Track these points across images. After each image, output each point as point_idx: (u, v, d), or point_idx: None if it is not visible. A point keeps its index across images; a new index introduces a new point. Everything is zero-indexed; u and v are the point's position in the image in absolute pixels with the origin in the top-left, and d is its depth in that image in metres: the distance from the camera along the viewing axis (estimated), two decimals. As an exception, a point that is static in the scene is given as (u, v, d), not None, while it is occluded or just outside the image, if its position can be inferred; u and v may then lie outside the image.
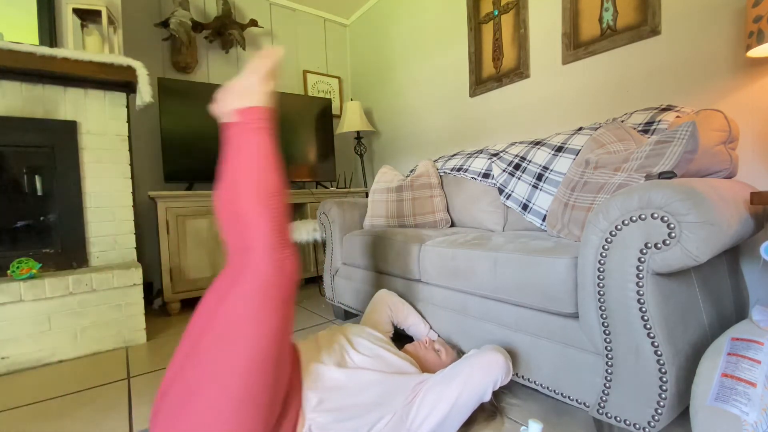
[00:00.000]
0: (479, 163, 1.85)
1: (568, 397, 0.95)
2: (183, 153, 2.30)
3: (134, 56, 1.82)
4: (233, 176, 0.76)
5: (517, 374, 1.07)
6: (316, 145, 2.85)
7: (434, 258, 1.30)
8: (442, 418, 0.83)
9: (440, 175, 2.05)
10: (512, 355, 1.07)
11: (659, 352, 0.78)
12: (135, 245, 1.89)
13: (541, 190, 1.48)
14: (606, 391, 0.86)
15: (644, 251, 0.77)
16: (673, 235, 0.73)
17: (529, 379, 1.04)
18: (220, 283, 0.76)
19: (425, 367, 1.08)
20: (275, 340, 0.69)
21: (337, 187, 3.00)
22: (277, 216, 0.74)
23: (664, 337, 0.78)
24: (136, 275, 1.69)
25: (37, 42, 1.70)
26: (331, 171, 2.93)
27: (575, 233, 1.12)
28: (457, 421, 0.86)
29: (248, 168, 0.76)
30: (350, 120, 2.91)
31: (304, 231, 2.06)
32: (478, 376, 0.87)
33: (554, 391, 0.99)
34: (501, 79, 2.12)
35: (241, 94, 0.80)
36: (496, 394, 1.01)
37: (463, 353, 1.21)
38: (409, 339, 1.37)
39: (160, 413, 0.69)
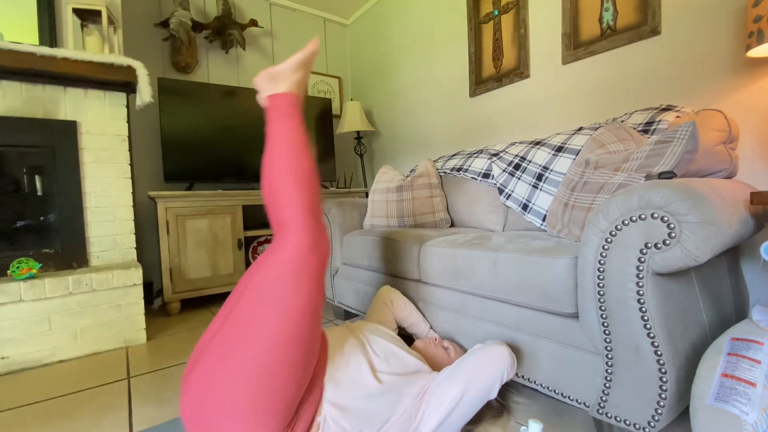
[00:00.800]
0: (479, 163, 1.85)
1: (568, 397, 0.95)
2: (183, 153, 2.30)
3: (134, 56, 1.82)
4: (270, 160, 0.82)
5: (517, 374, 1.07)
6: (316, 145, 2.85)
7: (434, 258, 1.30)
8: (449, 412, 0.84)
9: (440, 175, 2.05)
10: (513, 352, 1.07)
11: (659, 352, 0.78)
12: (135, 245, 1.89)
13: (541, 190, 1.48)
14: (606, 391, 0.86)
15: (644, 251, 0.77)
16: (673, 235, 0.73)
17: (529, 379, 1.04)
18: (264, 255, 0.81)
19: (434, 365, 1.08)
20: (305, 312, 0.73)
21: (337, 187, 3.00)
22: (307, 197, 0.79)
23: (664, 337, 0.78)
24: (136, 275, 1.69)
25: (37, 42, 1.70)
26: (331, 171, 2.94)
27: (575, 233, 1.12)
28: (465, 416, 0.87)
29: (280, 152, 0.81)
30: (350, 120, 2.91)
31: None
32: (484, 369, 0.88)
33: (554, 391, 0.99)
34: (501, 79, 2.12)
35: (274, 80, 0.86)
36: (502, 393, 1.02)
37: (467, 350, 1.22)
38: (409, 337, 1.37)
39: (198, 365, 0.73)
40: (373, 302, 1.38)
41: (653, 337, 0.78)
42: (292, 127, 0.83)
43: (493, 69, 2.18)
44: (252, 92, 2.56)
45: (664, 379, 0.78)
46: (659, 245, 0.75)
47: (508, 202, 1.63)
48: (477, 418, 0.94)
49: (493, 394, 0.89)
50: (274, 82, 0.86)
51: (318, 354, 0.81)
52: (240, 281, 0.85)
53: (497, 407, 1.00)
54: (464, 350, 1.21)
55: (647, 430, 0.80)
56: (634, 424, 0.82)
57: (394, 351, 0.97)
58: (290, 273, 0.74)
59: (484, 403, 0.89)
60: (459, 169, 1.95)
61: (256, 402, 0.68)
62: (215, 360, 0.71)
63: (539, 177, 1.51)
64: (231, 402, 0.68)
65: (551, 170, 1.47)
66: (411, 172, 2.19)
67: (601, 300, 0.84)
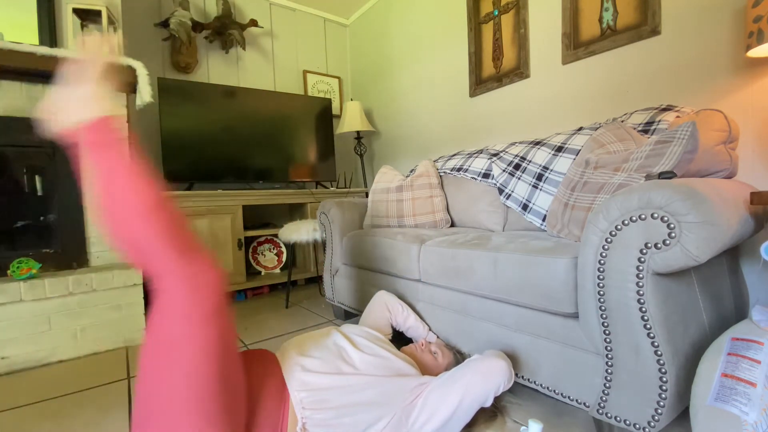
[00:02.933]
0: (479, 163, 1.85)
1: (568, 397, 0.95)
2: (183, 153, 2.30)
3: (134, 56, 1.82)
4: (105, 203, 0.66)
5: (517, 374, 1.06)
6: (316, 145, 2.85)
7: (434, 258, 1.30)
8: (443, 421, 0.83)
9: (440, 175, 2.05)
10: (512, 355, 1.07)
11: (659, 352, 0.78)
12: (135, 245, 1.89)
13: (541, 190, 1.48)
14: (606, 391, 0.86)
15: (644, 251, 0.77)
16: (673, 235, 0.73)
17: (529, 380, 1.04)
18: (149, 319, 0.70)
19: (422, 370, 1.07)
20: (211, 357, 0.64)
21: (337, 187, 3.00)
22: (167, 230, 0.65)
23: (664, 337, 0.78)
24: (136, 275, 1.69)
25: (37, 42, 1.70)
26: (331, 171, 2.93)
27: (575, 233, 1.12)
28: (458, 425, 0.86)
29: (112, 191, 0.65)
30: (350, 120, 2.91)
31: (304, 231, 2.06)
32: (480, 382, 0.87)
33: (554, 391, 0.99)
34: (501, 79, 2.12)
35: (77, 106, 0.66)
36: (503, 393, 1.01)
37: (462, 354, 1.21)
38: (408, 340, 1.36)
39: None
40: (368, 306, 1.37)
41: (653, 337, 0.78)
42: (119, 156, 0.67)
43: (493, 69, 2.18)
44: (252, 92, 2.57)
45: (664, 379, 0.78)
46: (659, 245, 0.75)
47: (508, 202, 1.63)
48: (471, 421, 0.92)
49: (488, 403, 0.88)
50: (78, 109, 0.66)
51: (244, 383, 0.75)
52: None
53: (491, 410, 0.99)
54: (455, 352, 1.18)
55: (647, 430, 0.80)
56: (634, 424, 0.82)
57: (377, 351, 0.97)
58: (181, 329, 0.63)
59: (477, 409, 0.88)
60: (459, 169, 1.94)
61: None
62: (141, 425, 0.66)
63: (539, 177, 1.51)
64: None
65: (551, 170, 1.47)
66: (411, 172, 2.19)
67: (601, 300, 0.84)
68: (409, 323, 1.33)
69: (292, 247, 2.23)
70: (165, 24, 2.42)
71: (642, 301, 0.79)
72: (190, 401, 0.63)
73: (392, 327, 1.34)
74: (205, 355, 0.63)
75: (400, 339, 1.33)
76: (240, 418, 0.71)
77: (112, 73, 0.69)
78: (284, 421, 0.78)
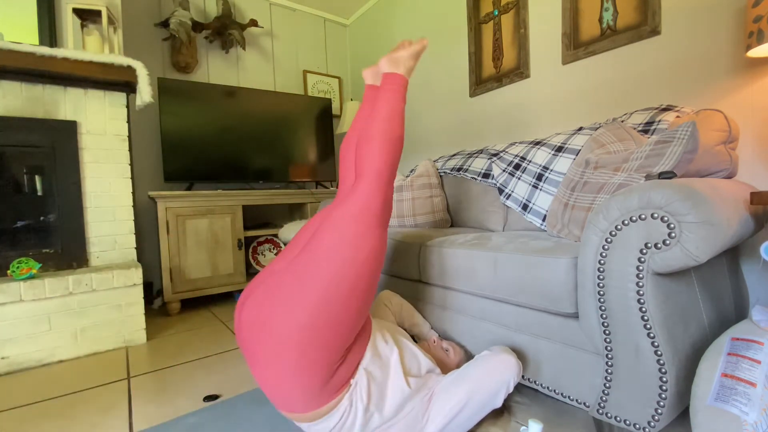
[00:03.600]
0: (479, 163, 1.85)
1: (568, 397, 0.95)
2: (183, 153, 2.30)
3: (134, 56, 1.82)
4: (371, 120, 0.94)
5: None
6: (316, 145, 2.85)
7: (434, 258, 1.30)
8: (453, 416, 0.85)
9: (440, 175, 2.05)
10: (518, 357, 1.07)
11: (659, 352, 0.78)
12: (135, 245, 1.89)
13: (541, 190, 1.48)
14: (606, 391, 0.86)
15: (644, 251, 0.77)
16: (673, 235, 0.73)
17: (529, 379, 1.04)
18: (327, 208, 0.89)
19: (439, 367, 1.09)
20: (370, 257, 0.81)
21: (337, 187, 3.00)
22: (391, 156, 0.90)
23: (664, 337, 0.78)
24: (136, 275, 1.69)
25: (37, 42, 1.70)
26: (331, 171, 2.93)
27: (575, 233, 1.12)
28: (469, 422, 0.88)
29: (383, 115, 0.94)
30: (350, 120, 2.91)
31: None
32: (490, 377, 0.89)
33: (554, 391, 0.99)
34: (501, 79, 2.12)
35: (395, 63, 1.02)
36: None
37: (470, 352, 1.22)
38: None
39: (264, 285, 0.81)
40: (374, 305, 1.37)
41: (653, 337, 0.78)
42: (398, 100, 0.97)
43: (493, 69, 2.18)
44: (252, 92, 2.57)
45: (664, 379, 0.78)
46: (659, 245, 0.75)
47: (508, 202, 1.63)
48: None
49: (498, 403, 0.90)
50: (394, 64, 1.02)
51: (368, 310, 0.86)
52: (305, 228, 0.96)
53: (497, 408, 1.00)
54: (463, 349, 1.21)
55: (647, 430, 0.80)
56: (634, 424, 0.82)
57: (412, 349, 0.99)
58: (363, 217, 0.82)
59: (488, 411, 0.90)
60: (459, 169, 1.94)
61: (304, 342, 0.74)
62: (276, 292, 0.77)
63: (539, 177, 1.51)
64: (284, 334, 0.74)
65: (551, 170, 1.47)
66: (411, 172, 2.19)
67: (601, 300, 0.84)
68: (413, 321, 1.34)
69: (292, 247, 2.23)
70: (165, 24, 2.42)
71: (642, 301, 0.79)
72: (344, 286, 0.77)
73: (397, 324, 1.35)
74: (370, 254, 0.81)
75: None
76: (344, 347, 0.80)
77: (418, 59, 1.07)
78: (358, 362, 0.85)
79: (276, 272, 0.82)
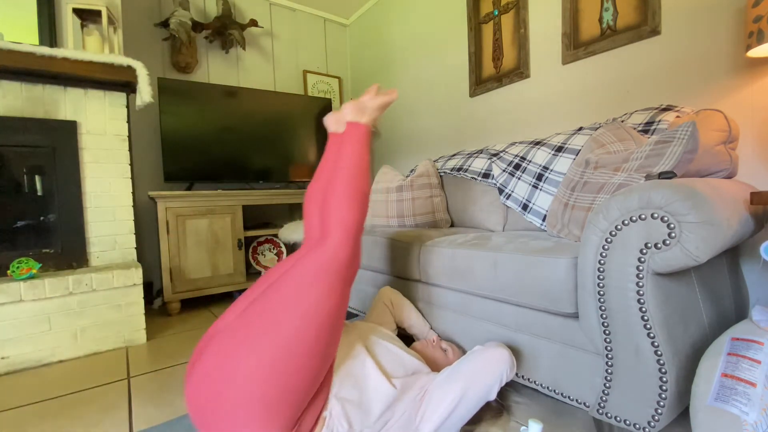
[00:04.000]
0: (479, 163, 1.85)
1: (568, 397, 0.95)
2: (183, 153, 2.30)
3: (134, 56, 1.82)
4: (336, 174, 0.92)
5: (517, 374, 1.07)
6: (316, 145, 2.85)
7: (434, 258, 1.30)
8: (448, 413, 0.85)
9: (440, 175, 2.05)
10: (513, 354, 1.07)
11: (659, 352, 0.78)
12: (135, 245, 1.89)
13: (541, 190, 1.48)
14: (606, 391, 0.86)
15: (644, 251, 0.77)
16: (673, 235, 0.73)
17: (529, 379, 1.04)
18: (292, 257, 0.90)
19: (433, 366, 1.09)
20: (332, 314, 0.78)
21: (337, 187, 3.00)
22: (358, 214, 0.88)
23: (664, 337, 0.78)
24: (136, 275, 1.69)
25: (37, 42, 1.70)
26: (331, 171, 2.93)
27: (575, 233, 1.12)
28: (464, 417, 0.87)
29: (349, 171, 0.91)
30: (350, 120, 2.91)
31: (304, 231, 2.06)
32: (484, 371, 0.89)
33: (554, 391, 0.99)
34: (501, 79, 2.12)
35: (360, 112, 1.00)
36: (502, 393, 1.02)
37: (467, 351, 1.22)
38: (409, 337, 1.36)
39: (207, 354, 0.74)
40: (374, 303, 1.38)
41: (653, 337, 0.78)
42: (363, 153, 0.95)
43: (493, 69, 2.18)
44: (252, 92, 2.57)
45: (664, 379, 0.78)
46: (659, 245, 0.75)
47: (508, 202, 1.63)
48: (477, 419, 0.94)
49: (492, 396, 0.89)
50: (360, 112, 1.00)
51: (335, 351, 0.83)
52: (261, 279, 0.91)
53: (497, 407, 1.00)
54: (463, 351, 1.21)
55: (647, 430, 0.80)
56: (634, 424, 0.82)
57: (392, 351, 0.98)
58: (326, 275, 0.80)
59: (483, 404, 0.89)
60: (459, 169, 1.94)
61: (267, 398, 0.68)
62: (229, 349, 0.72)
63: (539, 177, 1.51)
64: (242, 396, 0.68)
65: (551, 170, 1.47)
66: (411, 172, 2.18)
67: (601, 300, 0.84)
68: (412, 321, 1.34)
69: (292, 247, 2.23)
70: (165, 24, 2.42)
71: (642, 301, 0.79)
72: (301, 346, 0.73)
73: (396, 324, 1.35)
74: (331, 312, 0.78)
75: (401, 337, 1.33)
76: (311, 394, 0.77)
77: (384, 110, 1.04)
78: (326, 401, 0.81)
79: (225, 328, 0.77)
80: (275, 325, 0.73)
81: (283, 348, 0.71)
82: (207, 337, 0.81)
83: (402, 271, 1.46)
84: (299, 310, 0.75)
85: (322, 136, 2.89)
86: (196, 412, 0.73)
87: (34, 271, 1.52)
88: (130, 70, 1.73)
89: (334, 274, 0.80)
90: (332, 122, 1.07)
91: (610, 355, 0.85)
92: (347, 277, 0.83)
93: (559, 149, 1.48)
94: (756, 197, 0.83)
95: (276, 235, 2.62)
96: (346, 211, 0.86)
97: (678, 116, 1.26)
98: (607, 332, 0.85)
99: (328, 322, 0.77)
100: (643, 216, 0.77)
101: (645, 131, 1.27)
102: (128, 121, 1.88)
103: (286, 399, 0.70)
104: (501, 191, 1.68)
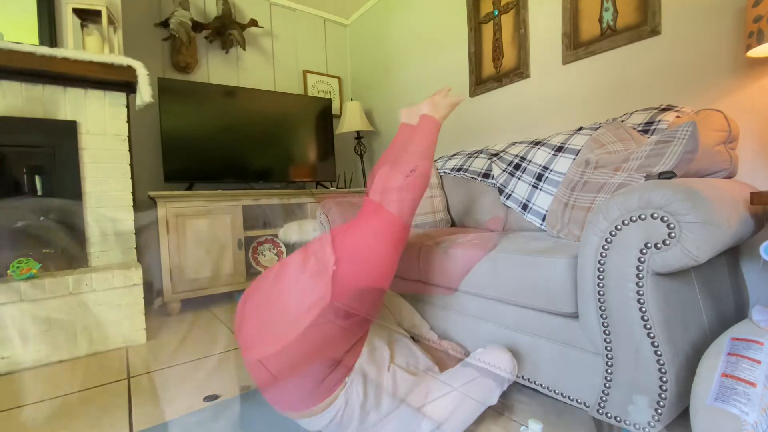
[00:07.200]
0: (479, 163, 1.85)
1: (568, 397, 0.95)
2: (183, 153, 2.30)
3: (134, 56, 1.82)
4: (403, 154, 1.03)
5: (517, 374, 1.06)
6: (316, 145, 2.85)
7: (434, 258, 1.30)
8: (448, 415, 0.85)
9: (440, 175, 2.05)
10: (513, 355, 1.07)
11: (659, 352, 0.78)
12: (135, 245, 1.89)
13: (541, 190, 1.48)
14: (606, 391, 0.86)
15: (644, 251, 0.77)
16: (673, 235, 0.73)
17: (529, 380, 1.04)
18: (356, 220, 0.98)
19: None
20: (389, 261, 0.88)
21: (337, 187, 3.00)
22: (423, 183, 0.98)
23: (664, 337, 0.78)
24: (136, 275, 1.69)
25: (37, 42, 1.70)
26: (331, 171, 2.93)
27: (575, 233, 1.12)
28: (464, 420, 0.88)
29: (417, 151, 1.03)
30: (350, 120, 2.91)
31: (304, 231, 2.06)
32: (485, 374, 0.90)
33: (554, 391, 0.98)
34: (501, 79, 2.12)
35: (435, 107, 1.13)
36: (503, 391, 1.02)
37: (469, 353, 1.22)
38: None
39: (258, 294, 0.86)
40: None
41: (653, 337, 0.78)
42: (431, 142, 1.07)
43: (493, 69, 2.18)
44: (252, 92, 2.56)
45: (664, 379, 0.78)
46: (659, 245, 0.75)
47: (508, 202, 1.63)
48: (478, 419, 0.94)
49: (494, 400, 0.90)
50: (435, 108, 1.12)
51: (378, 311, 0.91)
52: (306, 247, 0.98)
53: (497, 408, 1.00)
54: (463, 350, 1.21)
55: (647, 430, 0.80)
56: (634, 424, 0.82)
57: (409, 346, 1.00)
58: (383, 231, 0.90)
59: (484, 409, 0.90)
60: (459, 169, 1.94)
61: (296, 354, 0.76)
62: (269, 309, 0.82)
63: (539, 177, 1.50)
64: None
65: (551, 170, 1.47)
66: (411, 172, 2.18)
67: (601, 300, 0.84)
68: (412, 321, 1.34)
69: (292, 247, 2.23)
70: (165, 24, 2.42)
71: (642, 301, 0.79)
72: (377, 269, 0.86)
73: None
74: (387, 253, 0.89)
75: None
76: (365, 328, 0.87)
77: (453, 110, 1.17)
78: (354, 362, 0.86)
79: (262, 289, 0.86)
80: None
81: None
82: (256, 283, 0.89)
83: (402, 271, 1.46)
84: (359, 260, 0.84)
85: (322, 136, 2.89)
86: (242, 332, 0.83)
87: (34, 271, 1.52)
88: (130, 70, 1.73)
89: (389, 232, 0.89)
90: (406, 114, 1.22)
91: (610, 355, 0.85)
92: (395, 234, 0.91)
93: (559, 149, 1.48)
94: (756, 197, 0.83)
95: (276, 235, 2.62)
96: (397, 178, 0.96)
97: (678, 116, 1.26)
98: (607, 332, 0.85)
99: (384, 269, 0.87)
100: (643, 216, 0.77)
101: (645, 131, 1.27)
102: (128, 121, 1.88)
103: (312, 355, 0.77)
104: (501, 191, 1.68)
